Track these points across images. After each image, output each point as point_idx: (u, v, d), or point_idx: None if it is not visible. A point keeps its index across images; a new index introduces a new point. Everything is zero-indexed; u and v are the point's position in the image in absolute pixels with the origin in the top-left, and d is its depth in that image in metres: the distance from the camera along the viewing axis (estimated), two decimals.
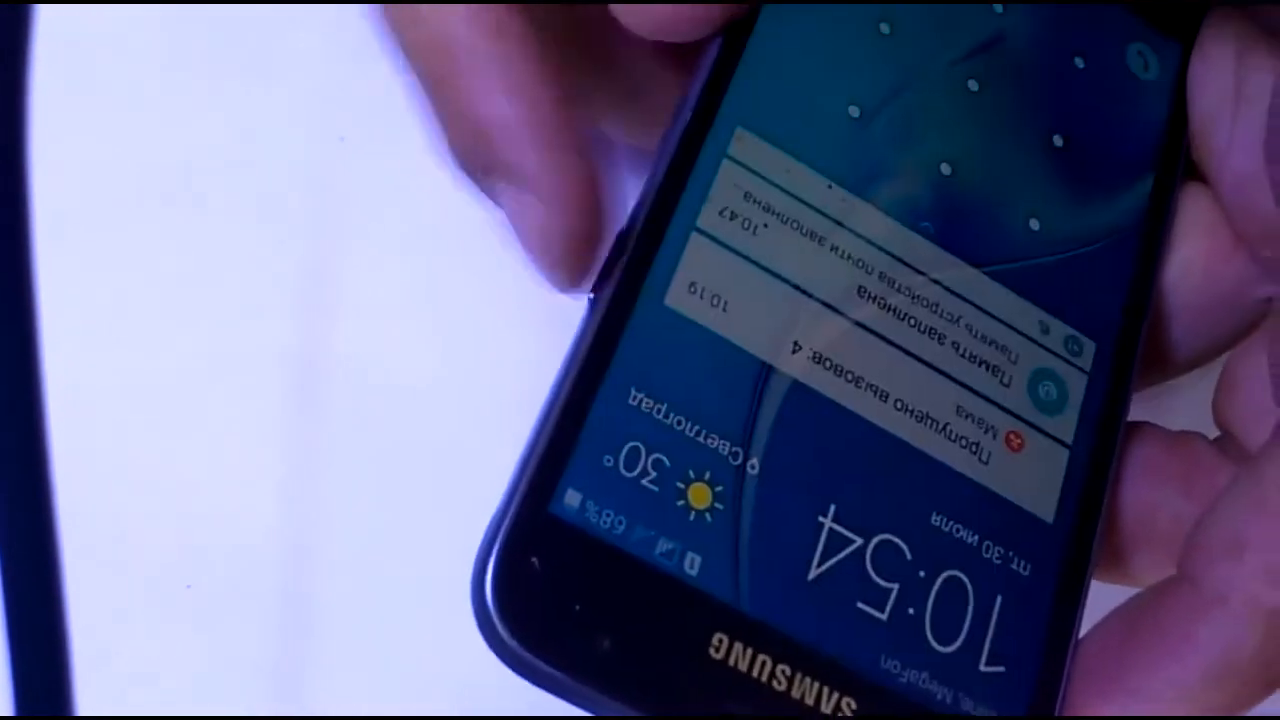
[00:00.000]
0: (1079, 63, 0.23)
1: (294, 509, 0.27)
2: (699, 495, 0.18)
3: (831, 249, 0.20)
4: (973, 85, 0.22)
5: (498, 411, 0.28)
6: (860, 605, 0.19)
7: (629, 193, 0.20)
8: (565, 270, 0.19)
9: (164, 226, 0.28)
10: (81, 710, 0.15)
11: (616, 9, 0.20)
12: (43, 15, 0.15)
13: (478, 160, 0.19)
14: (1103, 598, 0.20)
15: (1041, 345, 0.21)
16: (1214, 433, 0.22)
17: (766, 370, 0.19)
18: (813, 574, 0.19)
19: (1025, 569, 0.20)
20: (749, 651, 0.18)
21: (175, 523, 0.27)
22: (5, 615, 0.15)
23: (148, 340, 0.28)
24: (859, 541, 0.19)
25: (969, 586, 0.19)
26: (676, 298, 0.19)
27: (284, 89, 0.29)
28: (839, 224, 0.20)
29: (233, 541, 0.27)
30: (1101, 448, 0.21)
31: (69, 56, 0.28)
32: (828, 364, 0.20)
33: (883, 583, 0.19)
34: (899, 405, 0.20)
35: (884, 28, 0.22)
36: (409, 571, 0.27)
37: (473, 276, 0.28)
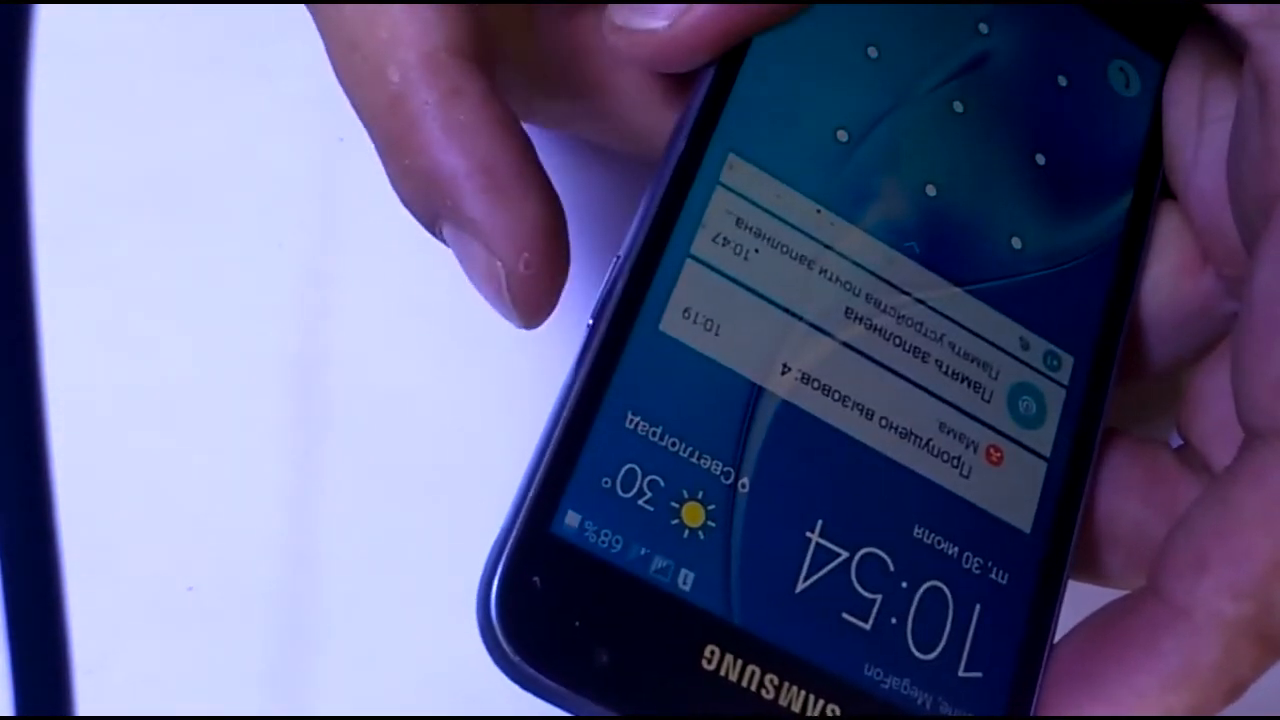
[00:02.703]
0: (1061, 81, 0.24)
1: (295, 511, 0.27)
2: (692, 514, 0.19)
3: (820, 272, 0.21)
4: (958, 106, 0.23)
5: (497, 414, 0.28)
6: (845, 616, 0.19)
7: (622, 201, 0.20)
8: (519, 312, 0.20)
9: (163, 228, 0.28)
10: (81, 710, 0.15)
11: (612, 40, 0.21)
12: (43, 16, 0.15)
13: (425, 207, 0.20)
14: (1080, 601, 0.21)
15: (1021, 361, 0.22)
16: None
17: (757, 391, 0.20)
18: (800, 587, 0.19)
19: (1003, 578, 0.21)
20: (739, 663, 0.19)
21: (176, 525, 0.27)
22: (6, 616, 0.15)
23: (148, 342, 0.28)
24: (844, 555, 0.20)
25: (949, 596, 0.20)
26: (671, 323, 0.20)
27: (284, 89, 0.29)
28: (827, 247, 0.21)
29: (233, 543, 0.27)
30: (1078, 460, 0.22)
31: (69, 58, 0.28)
32: (815, 384, 0.20)
33: (867, 594, 0.20)
34: (884, 423, 0.21)
35: (872, 52, 0.22)
36: (408, 573, 0.27)
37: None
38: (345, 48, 0.20)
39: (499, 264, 0.19)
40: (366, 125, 0.20)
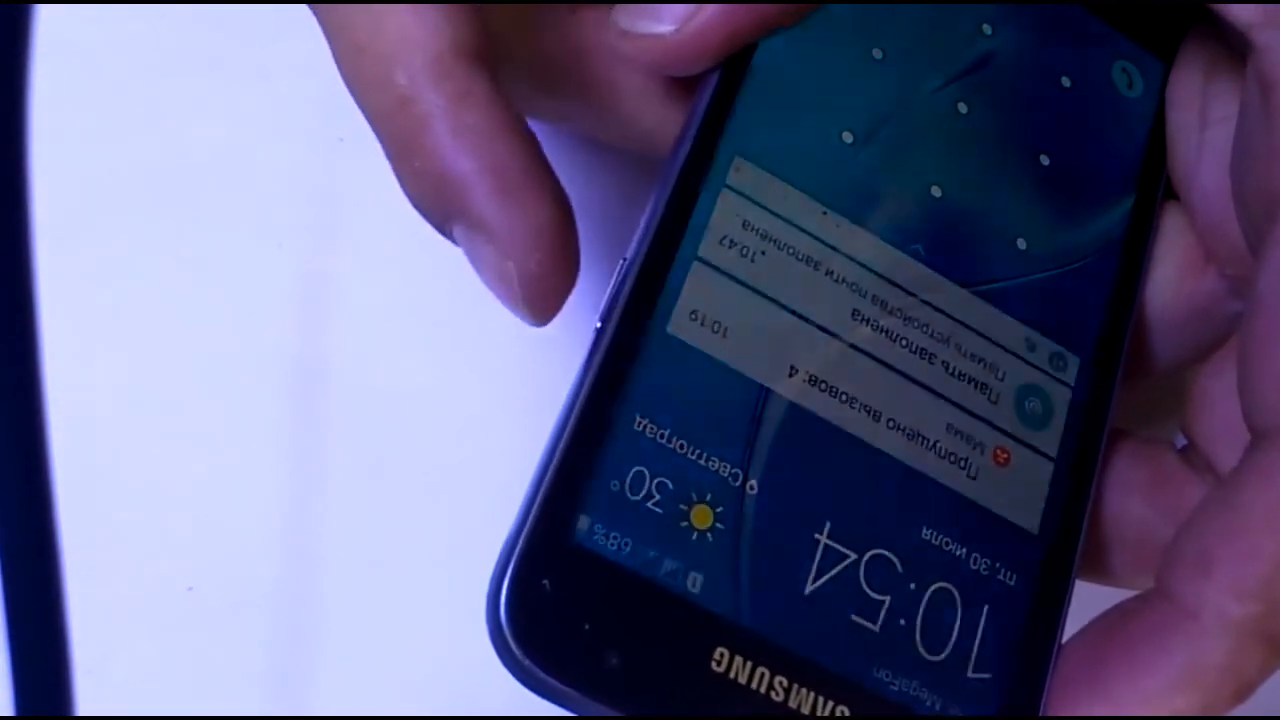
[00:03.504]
0: (1065, 82, 0.24)
1: (295, 510, 0.27)
2: (701, 516, 0.19)
3: (826, 274, 0.21)
4: (962, 108, 0.23)
5: (500, 415, 0.28)
6: (854, 617, 0.20)
7: (628, 202, 0.20)
8: (529, 310, 0.20)
9: (164, 228, 0.28)
10: (81, 710, 0.15)
11: (618, 44, 0.21)
12: (43, 15, 0.15)
13: (436, 209, 0.20)
14: (1088, 602, 0.21)
15: (1028, 362, 0.22)
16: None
17: (765, 394, 0.20)
18: (809, 589, 0.19)
19: (1011, 579, 0.21)
20: (748, 664, 0.19)
21: (176, 525, 0.27)
22: (6, 616, 0.15)
23: (147, 342, 0.28)
24: (853, 556, 0.20)
25: (957, 597, 0.20)
26: (679, 326, 0.20)
27: (284, 89, 0.29)
28: (834, 249, 0.21)
29: (233, 543, 0.27)
30: (1084, 460, 0.22)
31: (69, 58, 0.28)
32: (823, 386, 0.20)
33: (875, 595, 0.20)
34: (891, 424, 0.21)
35: (876, 54, 0.22)
36: (408, 573, 0.27)
37: (473, 279, 0.28)
38: (351, 51, 0.20)
39: (510, 264, 0.19)
40: (374, 128, 0.20)
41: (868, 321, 0.21)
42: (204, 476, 0.27)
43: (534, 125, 0.20)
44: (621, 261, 0.20)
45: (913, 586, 0.20)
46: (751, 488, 0.19)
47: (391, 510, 0.27)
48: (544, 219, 0.19)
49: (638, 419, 0.19)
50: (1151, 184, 0.24)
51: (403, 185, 0.20)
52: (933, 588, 0.20)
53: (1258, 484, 0.19)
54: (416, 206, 0.20)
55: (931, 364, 0.21)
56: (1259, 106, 0.20)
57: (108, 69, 0.29)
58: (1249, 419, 0.20)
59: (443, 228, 0.20)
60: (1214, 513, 0.19)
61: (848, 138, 0.22)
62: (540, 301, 0.19)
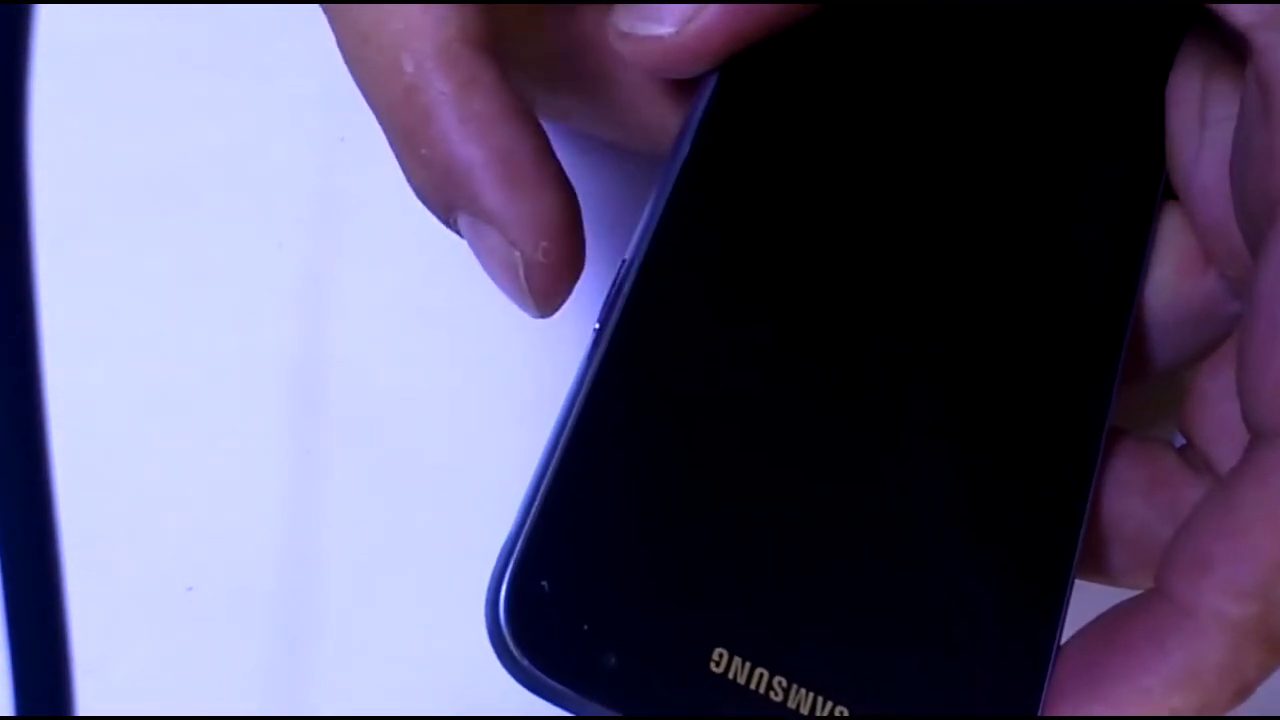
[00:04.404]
0: (1065, 81, 0.23)
1: (294, 510, 0.27)
2: None
3: (824, 273, 0.21)
4: (965, 105, 0.22)
5: (499, 415, 0.28)
6: (852, 616, 0.19)
7: (627, 200, 0.20)
8: (534, 300, 0.20)
9: (164, 228, 0.28)
10: (81, 711, 0.15)
11: (618, 45, 0.21)
12: (43, 16, 0.15)
13: (442, 198, 0.20)
14: (1088, 603, 0.21)
15: (1029, 360, 0.22)
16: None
17: None
18: (807, 586, 0.19)
19: (1010, 578, 0.21)
20: (747, 665, 0.19)
21: (176, 525, 0.27)
22: (6, 616, 0.15)
23: (148, 342, 0.28)
24: (850, 555, 0.20)
25: (955, 595, 0.20)
26: None
27: (284, 89, 0.29)
28: (831, 249, 0.21)
29: (233, 543, 0.27)
30: (1083, 460, 0.22)
31: (69, 58, 0.28)
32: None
33: (874, 593, 0.20)
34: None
35: (876, 52, 0.22)
36: (408, 573, 0.27)
37: (473, 279, 0.28)
38: (357, 40, 0.20)
39: (517, 254, 0.19)
40: (380, 118, 0.20)
41: (869, 322, 0.21)
42: (204, 476, 0.27)
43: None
44: (621, 262, 0.20)
45: (911, 586, 0.20)
46: None
47: (391, 510, 0.27)
48: (551, 207, 0.19)
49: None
50: (1151, 184, 0.24)
51: (407, 175, 0.20)
52: (932, 587, 0.20)
53: (1255, 484, 0.19)
54: (421, 196, 0.20)
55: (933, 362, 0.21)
56: (1258, 108, 0.20)
57: (108, 69, 0.29)
58: (1247, 419, 0.20)
59: (447, 218, 0.20)
60: (1212, 512, 0.19)
61: (845, 138, 0.22)
62: (546, 291, 0.19)
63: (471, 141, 0.19)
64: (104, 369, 0.27)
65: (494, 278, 0.20)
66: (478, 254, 0.20)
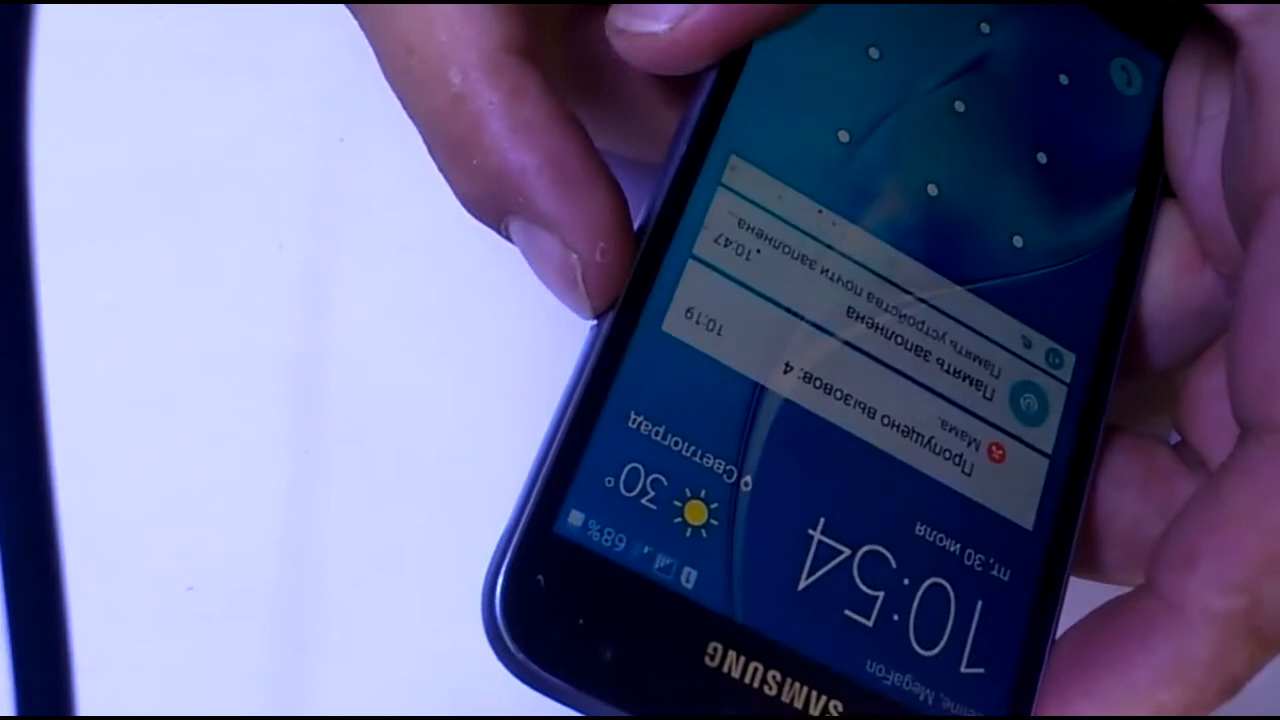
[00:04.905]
0: (1063, 79, 0.24)
1: (294, 510, 0.27)
2: (695, 513, 0.19)
3: (822, 272, 0.21)
4: (959, 106, 0.23)
5: (498, 414, 0.28)
6: (847, 613, 0.20)
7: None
8: (591, 301, 0.20)
9: (163, 228, 0.28)
10: (82, 710, 0.15)
11: (614, 42, 0.21)
12: (43, 16, 0.15)
13: (495, 206, 0.20)
14: (1084, 599, 0.21)
15: (1023, 359, 0.22)
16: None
17: (759, 390, 0.20)
18: (802, 584, 0.19)
19: (1005, 575, 0.21)
20: (742, 659, 0.19)
21: (176, 525, 0.27)
22: (6, 616, 0.15)
23: (148, 342, 0.28)
24: (847, 552, 0.20)
25: (951, 593, 0.20)
26: (674, 324, 0.20)
27: (284, 89, 0.29)
28: (829, 248, 0.21)
29: (233, 543, 0.27)
30: (1079, 457, 0.22)
31: (69, 58, 0.28)
32: (817, 383, 0.20)
33: (869, 591, 0.20)
34: (886, 421, 0.21)
35: (873, 53, 0.22)
36: (408, 573, 0.27)
37: (473, 279, 0.28)
38: (401, 52, 0.20)
39: (574, 255, 0.19)
40: (425, 129, 0.20)
41: (862, 319, 0.21)
42: (204, 476, 0.27)
43: None
44: None
45: (907, 582, 0.20)
46: (745, 484, 0.20)
47: (391, 510, 0.27)
48: (605, 207, 0.19)
49: (632, 416, 0.19)
50: (1150, 181, 0.24)
51: (454, 185, 0.20)
52: (927, 583, 0.20)
53: (1242, 479, 0.19)
54: (470, 205, 0.20)
55: (926, 361, 0.21)
56: (1245, 102, 0.20)
57: (108, 69, 0.29)
58: (1236, 414, 0.20)
59: (498, 224, 0.20)
60: (1200, 508, 0.19)
61: (844, 136, 0.22)
62: (602, 291, 0.19)
63: (523, 148, 0.19)
64: (104, 369, 0.27)
65: (548, 281, 0.20)
66: (531, 259, 0.20)
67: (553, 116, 0.19)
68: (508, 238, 0.20)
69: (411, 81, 0.20)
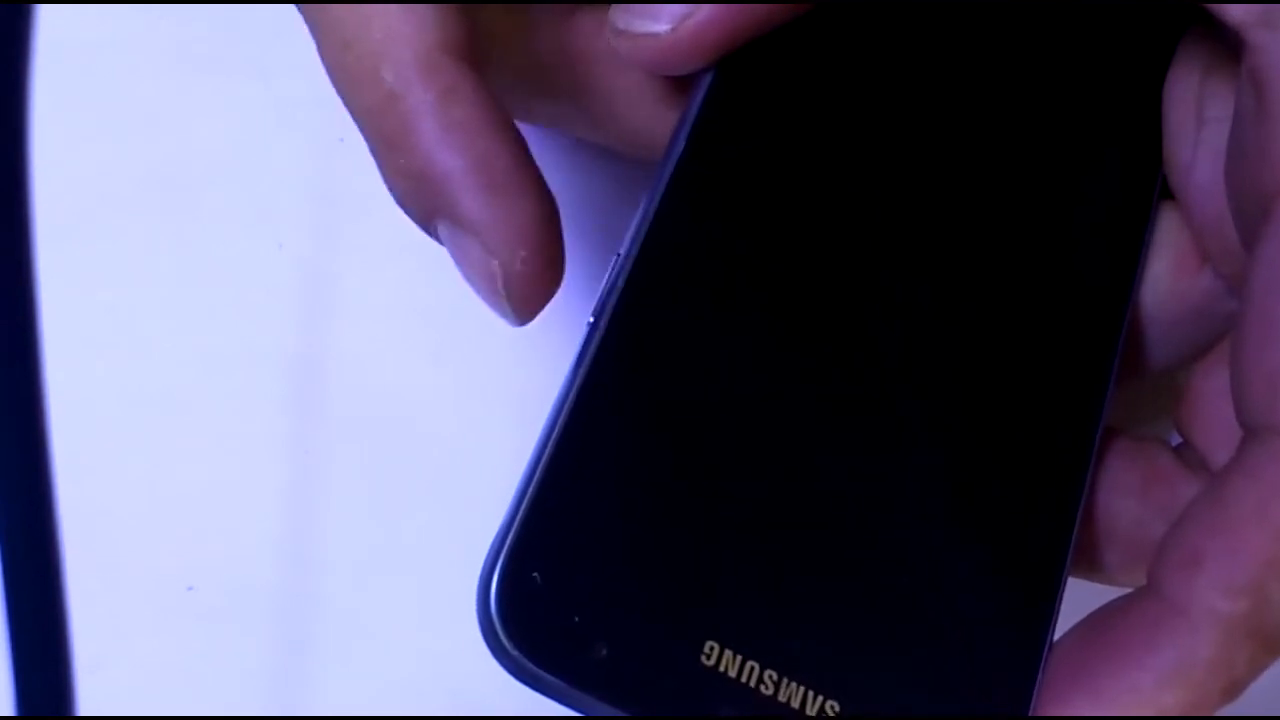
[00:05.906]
0: (1063, 79, 0.23)
1: (294, 511, 0.27)
2: None
3: (819, 271, 0.21)
4: (962, 105, 0.22)
5: (497, 413, 0.28)
6: (844, 611, 0.19)
7: (622, 199, 0.20)
8: (512, 308, 0.20)
9: (163, 228, 0.28)
10: (82, 711, 0.15)
11: (614, 43, 0.21)
12: (43, 16, 0.15)
13: (422, 206, 0.20)
14: (1081, 601, 0.21)
15: (1024, 358, 0.22)
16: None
17: None
18: (799, 580, 0.19)
19: (1003, 576, 0.21)
20: (738, 658, 0.19)
21: (176, 525, 0.27)
22: (6, 616, 0.15)
23: (148, 341, 0.28)
24: (843, 551, 0.20)
25: (948, 593, 0.20)
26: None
27: (284, 89, 0.29)
28: (828, 248, 0.21)
29: (233, 543, 0.27)
30: (1078, 459, 0.22)
31: (69, 58, 0.28)
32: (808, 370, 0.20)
33: (865, 589, 0.20)
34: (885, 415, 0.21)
35: (872, 51, 0.22)
36: (408, 572, 0.27)
37: None
38: (338, 47, 0.20)
39: (495, 262, 0.19)
40: (360, 125, 0.20)
41: (865, 321, 0.21)
42: (204, 476, 0.27)
43: (529, 128, 0.20)
44: (615, 257, 0.20)
45: (903, 582, 0.20)
46: None
47: (391, 510, 0.27)
48: (530, 216, 0.19)
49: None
50: (1148, 183, 0.24)
51: (388, 183, 0.20)
52: (924, 583, 0.20)
53: (1246, 480, 0.19)
54: (401, 204, 0.20)
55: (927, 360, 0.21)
56: (1252, 106, 0.20)
57: (108, 69, 0.29)
58: (1239, 416, 0.20)
59: (427, 225, 0.20)
60: (1203, 509, 0.19)
61: (843, 137, 0.22)
62: (524, 300, 0.19)
63: (451, 150, 0.19)
64: (104, 369, 0.27)
65: (473, 286, 0.20)
66: (457, 262, 0.20)
67: (485, 120, 0.19)
68: (438, 239, 0.20)
69: (347, 78, 0.20)
